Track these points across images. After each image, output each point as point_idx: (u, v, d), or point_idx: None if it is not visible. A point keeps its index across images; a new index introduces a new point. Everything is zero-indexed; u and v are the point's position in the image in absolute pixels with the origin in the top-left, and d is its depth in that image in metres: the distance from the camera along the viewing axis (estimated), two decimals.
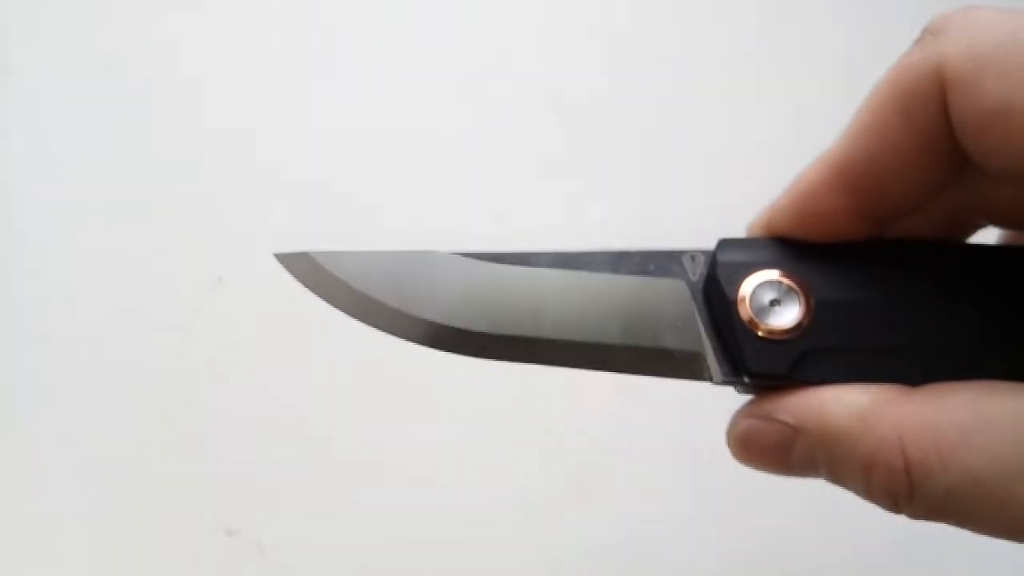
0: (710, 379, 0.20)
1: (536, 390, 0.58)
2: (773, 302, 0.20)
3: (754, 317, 0.20)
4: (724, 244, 0.20)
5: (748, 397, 0.21)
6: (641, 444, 0.58)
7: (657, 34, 0.66)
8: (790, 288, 0.20)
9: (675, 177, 0.63)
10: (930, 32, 0.18)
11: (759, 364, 0.19)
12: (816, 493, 0.58)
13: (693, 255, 0.21)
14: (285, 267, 0.22)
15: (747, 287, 0.20)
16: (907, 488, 0.17)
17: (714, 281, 0.20)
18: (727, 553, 0.58)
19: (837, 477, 0.19)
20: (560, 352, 0.20)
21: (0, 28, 0.61)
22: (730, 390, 0.22)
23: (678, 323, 0.20)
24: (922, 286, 0.19)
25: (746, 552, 0.58)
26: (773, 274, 0.20)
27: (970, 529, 0.17)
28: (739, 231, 0.22)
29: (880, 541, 0.57)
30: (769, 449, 0.19)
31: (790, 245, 0.20)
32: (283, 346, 0.57)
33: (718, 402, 0.22)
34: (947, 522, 0.17)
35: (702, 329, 0.20)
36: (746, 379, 0.20)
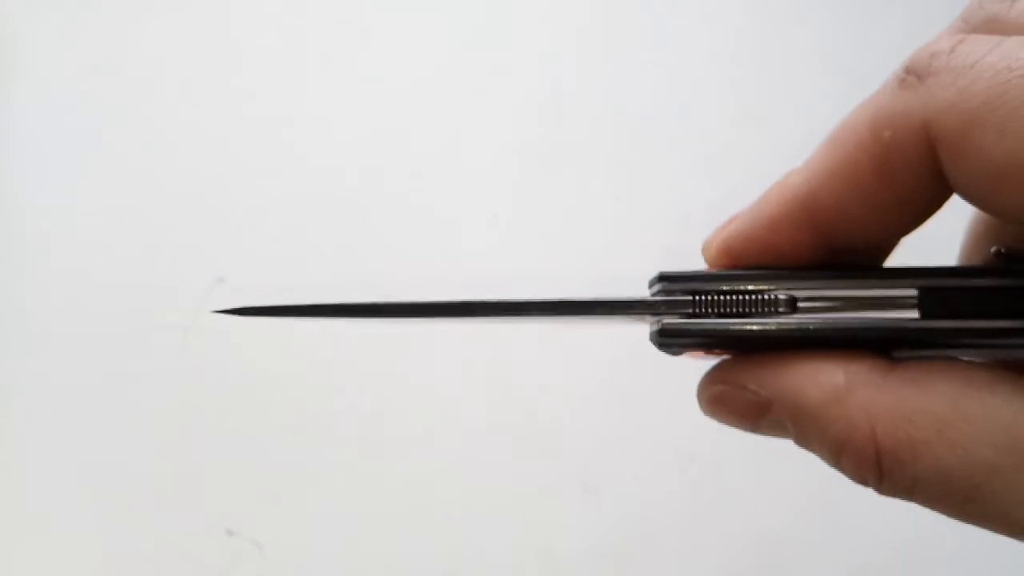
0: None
1: (535, 391, 0.58)
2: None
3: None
4: (664, 331, 0.20)
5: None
6: (641, 444, 0.58)
7: (657, 34, 0.66)
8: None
9: (674, 177, 0.63)
10: (914, 73, 0.17)
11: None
12: (816, 493, 0.58)
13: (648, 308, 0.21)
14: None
15: (687, 354, 0.21)
16: (877, 473, 0.17)
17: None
18: (726, 553, 0.58)
19: (807, 448, 0.19)
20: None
21: (5, 33, 0.61)
22: None
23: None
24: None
25: (745, 552, 0.58)
26: (710, 353, 0.20)
27: (935, 511, 0.17)
28: None
29: (880, 541, 0.57)
30: (740, 413, 0.19)
31: (727, 323, 0.20)
32: (282, 346, 0.58)
33: None
34: (914, 502, 0.18)
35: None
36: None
